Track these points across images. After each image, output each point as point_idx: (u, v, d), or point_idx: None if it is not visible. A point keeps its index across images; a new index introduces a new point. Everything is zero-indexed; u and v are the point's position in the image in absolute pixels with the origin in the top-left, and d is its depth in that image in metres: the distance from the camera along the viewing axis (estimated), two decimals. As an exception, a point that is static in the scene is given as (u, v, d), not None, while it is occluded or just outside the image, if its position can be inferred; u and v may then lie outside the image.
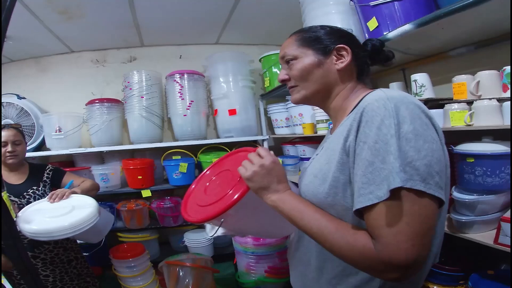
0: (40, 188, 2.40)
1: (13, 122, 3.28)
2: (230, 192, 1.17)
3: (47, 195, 2.36)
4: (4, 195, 1.18)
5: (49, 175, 2.50)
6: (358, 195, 0.90)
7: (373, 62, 1.25)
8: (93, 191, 2.50)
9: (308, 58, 1.16)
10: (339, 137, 1.02)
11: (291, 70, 1.19)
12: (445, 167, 0.95)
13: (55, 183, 2.54)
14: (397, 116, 0.87)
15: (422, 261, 0.86)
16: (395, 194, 0.84)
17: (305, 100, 1.22)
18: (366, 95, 1.06)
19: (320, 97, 1.20)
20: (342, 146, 0.99)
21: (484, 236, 1.56)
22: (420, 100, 1.96)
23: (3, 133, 2.25)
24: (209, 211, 1.16)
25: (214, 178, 1.36)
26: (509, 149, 1.52)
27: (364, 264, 0.89)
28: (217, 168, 1.42)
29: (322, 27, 1.21)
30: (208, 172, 1.44)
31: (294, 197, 1.09)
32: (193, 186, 1.42)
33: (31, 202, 2.25)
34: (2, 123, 2.55)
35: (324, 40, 1.16)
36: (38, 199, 2.32)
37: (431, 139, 0.88)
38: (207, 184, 1.35)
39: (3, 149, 2.23)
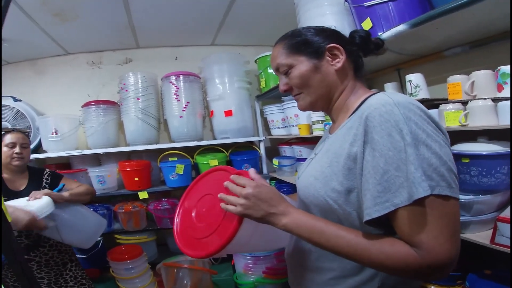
0: None
1: (9, 125, 3.28)
2: (224, 221, 1.12)
3: None
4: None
5: (47, 180, 2.48)
6: (374, 203, 0.89)
7: (366, 54, 1.23)
8: (86, 196, 2.47)
9: (303, 64, 1.14)
10: (343, 141, 1.01)
11: (291, 80, 1.17)
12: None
13: (53, 188, 2.49)
14: (409, 122, 0.87)
15: (458, 255, 0.87)
16: (420, 201, 0.84)
17: (312, 106, 1.20)
18: (368, 96, 1.05)
19: (325, 101, 1.18)
20: (347, 151, 0.98)
21: (480, 236, 1.56)
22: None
23: (12, 135, 2.26)
24: (210, 245, 1.11)
25: (199, 204, 1.29)
26: (504, 149, 1.52)
27: (411, 272, 0.88)
28: (196, 193, 1.35)
29: (306, 29, 1.20)
30: (187, 201, 1.36)
31: (305, 216, 1.03)
32: (177, 220, 1.33)
33: None
34: (9, 127, 2.54)
35: (313, 42, 1.15)
36: None
37: (444, 143, 0.89)
38: (194, 212, 1.28)
39: (10, 150, 2.23)
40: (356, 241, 0.94)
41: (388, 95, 0.95)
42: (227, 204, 1.08)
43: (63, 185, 2.44)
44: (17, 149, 2.25)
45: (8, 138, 2.24)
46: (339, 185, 0.99)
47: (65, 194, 2.26)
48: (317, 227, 0.99)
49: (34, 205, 1.99)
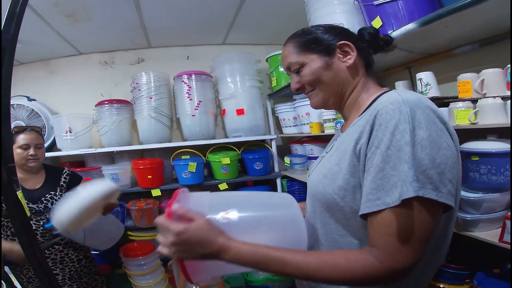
0: (57, 193, 2.37)
1: (24, 124, 3.31)
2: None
3: None
4: (20, 194, 1.21)
5: (66, 180, 2.48)
6: (366, 200, 0.91)
7: (375, 51, 1.22)
8: None
9: (314, 62, 1.14)
10: (351, 138, 1.01)
11: (302, 77, 1.17)
12: (458, 171, 0.95)
13: (71, 188, 2.46)
14: (413, 121, 0.87)
15: (418, 262, 0.88)
16: (406, 202, 0.84)
17: (324, 103, 1.20)
18: (380, 95, 1.06)
19: (337, 98, 1.18)
20: (352, 148, 0.98)
21: (489, 234, 1.56)
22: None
23: (26, 135, 2.23)
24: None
25: None
26: (513, 147, 1.52)
27: (371, 281, 0.89)
28: None
29: (315, 27, 1.20)
30: None
31: (245, 247, 0.97)
32: None
33: (48, 208, 2.25)
34: (16, 125, 2.54)
35: (323, 40, 1.15)
36: (56, 204, 2.29)
37: (446, 145, 0.88)
38: None
39: (25, 152, 2.21)
40: (305, 263, 0.94)
41: (398, 93, 0.95)
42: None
43: None
44: (31, 151, 2.23)
45: (21, 139, 2.21)
46: (345, 182, 1.00)
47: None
48: (260, 257, 0.96)
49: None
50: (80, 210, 1.76)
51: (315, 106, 1.23)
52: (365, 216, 0.93)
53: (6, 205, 1.23)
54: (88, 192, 1.82)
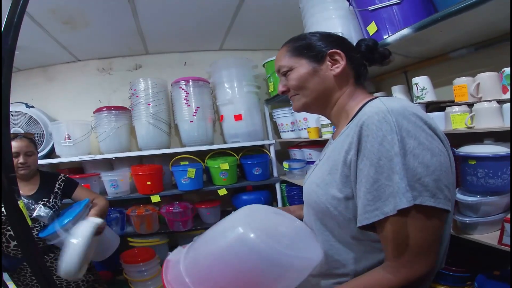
0: (51, 200, 2.36)
1: (22, 131, 3.31)
2: None
3: (58, 206, 2.39)
4: (21, 203, 1.22)
5: (60, 186, 2.48)
6: (364, 211, 0.92)
7: (370, 63, 1.23)
8: (106, 210, 2.53)
9: (302, 67, 1.15)
10: (340, 148, 1.02)
11: (289, 81, 1.19)
12: (452, 175, 0.96)
13: (67, 194, 2.52)
14: (400, 131, 0.87)
15: (437, 264, 0.91)
16: (405, 211, 0.85)
17: (306, 107, 1.21)
18: (366, 102, 1.06)
19: (320, 104, 1.19)
20: (343, 159, 0.99)
21: (488, 237, 1.57)
22: (422, 103, 1.99)
23: (16, 143, 2.23)
24: None
25: None
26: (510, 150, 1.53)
27: None
28: None
29: (312, 33, 1.21)
30: None
31: None
32: None
33: (40, 215, 2.24)
34: (12, 132, 2.54)
35: (316, 47, 1.16)
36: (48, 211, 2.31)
37: (438, 151, 0.89)
38: None
39: (15, 160, 2.20)
40: None
41: (383, 102, 0.95)
42: None
43: (88, 201, 2.43)
44: (20, 159, 2.23)
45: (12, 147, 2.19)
46: (338, 192, 1.01)
47: (94, 212, 2.30)
48: None
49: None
50: (80, 258, 1.95)
51: (296, 110, 1.25)
52: (368, 227, 0.94)
53: (8, 215, 1.24)
54: (80, 241, 1.99)
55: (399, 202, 0.85)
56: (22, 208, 1.24)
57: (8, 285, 1.09)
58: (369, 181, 0.90)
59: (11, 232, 2.19)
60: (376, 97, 1.06)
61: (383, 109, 0.91)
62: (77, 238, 1.99)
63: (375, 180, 0.89)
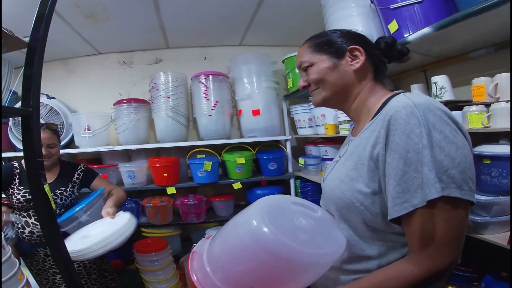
0: (68, 189, 2.42)
1: (43, 122, 3.37)
2: None
3: (74, 196, 2.44)
4: (46, 187, 1.26)
5: (79, 176, 2.53)
6: (394, 204, 0.93)
7: (389, 60, 1.25)
8: (123, 201, 2.56)
9: (322, 62, 1.18)
10: (366, 143, 1.04)
11: (309, 75, 1.22)
12: (474, 169, 0.97)
13: (85, 184, 2.57)
14: (427, 124, 0.89)
15: (459, 257, 0.91)
16: (432, 203, 0.87)
17: (325, 102, 1.24)
18: (389, 98, 1.08)
19: (340, 99, 1.22)
20: (369, 153, 1.01)
21: (498, 237, 1.56)
22: (440, 102, 1.98)
23: None
24: None
25: None
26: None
27: (410, 284, 0.93)
28: None
29: (333, 31, 1.24)
30: None
31: None
32: None
33: (57, 203, 2.30)
34: (41, 122, 2.58)
35: (336, 43, 1.19)
36: (65, 200, 2.37)
37: (462, 144, 0.91)
38: None
39: None
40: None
41: (408, 97, 0.97)
42: None
43: (103, 190, 2.48)
44: (43, 151, 2.26)
45: None
46: (365, 187, 1.03)
47: (111, 209, 2.26)
48: None
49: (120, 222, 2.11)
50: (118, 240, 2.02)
51: (316, 104, 1.27)
52: (394, 221, 0.96)
53: (33, 198, 1.28)
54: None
55: (428, 193, 0.87)
56: (47, 192, 1.28)
57: (23, 271, 1.13)
58: (398, 173, 0.92)
59: (27, 219, 2.25)
60: (399, 93, 1.08)
61: (410, 104, 0.93)
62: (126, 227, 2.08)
63: (404, 172, 0.91)
